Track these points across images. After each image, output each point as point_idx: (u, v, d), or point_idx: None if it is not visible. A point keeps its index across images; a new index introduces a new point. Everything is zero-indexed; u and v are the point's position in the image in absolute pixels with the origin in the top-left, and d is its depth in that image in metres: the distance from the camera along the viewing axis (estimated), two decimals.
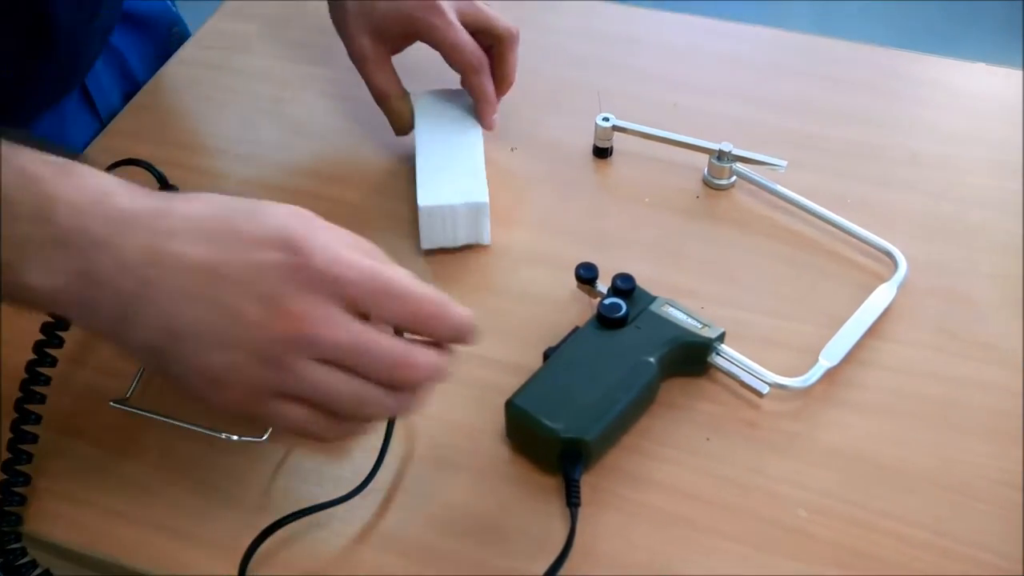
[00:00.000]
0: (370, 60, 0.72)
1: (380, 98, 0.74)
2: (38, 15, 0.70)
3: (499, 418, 0.58)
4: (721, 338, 0.60)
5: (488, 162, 0.71)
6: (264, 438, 0.57)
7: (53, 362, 0.57)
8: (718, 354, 0.61)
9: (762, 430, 0.59)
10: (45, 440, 0.57)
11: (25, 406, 0.56)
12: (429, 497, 0.57)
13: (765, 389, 0.59)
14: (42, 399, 0.57)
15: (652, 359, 0.58)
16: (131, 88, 0.87)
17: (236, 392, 0.45)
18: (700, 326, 0.60)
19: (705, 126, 0.76)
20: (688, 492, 0.56)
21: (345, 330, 0.44)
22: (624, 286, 0.62)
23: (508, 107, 0.77)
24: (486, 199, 0.67)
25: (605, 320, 0.60)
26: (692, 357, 0.60)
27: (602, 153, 0.77)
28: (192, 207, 0.45)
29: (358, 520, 0.56)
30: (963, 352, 0.63)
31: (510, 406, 0.57)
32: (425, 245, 0.68)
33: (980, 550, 0.54)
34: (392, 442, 0.57)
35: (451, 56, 0.71)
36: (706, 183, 0.74)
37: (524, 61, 0.75)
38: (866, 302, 0.64)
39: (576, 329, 0.60)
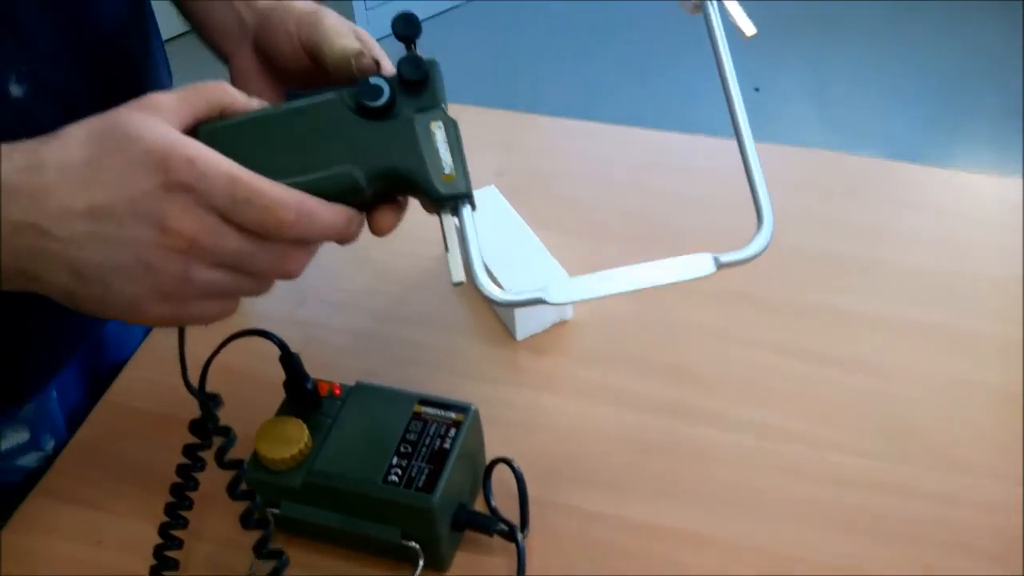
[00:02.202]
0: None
1: None
2: None
3: None
4: (465, 199, 0.50)
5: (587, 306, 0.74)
6: None
7: (180, 544, 0.56)
8: (453, 213, 0.50)
9: None
10: None
11: None
12: None
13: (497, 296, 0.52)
14: None
15: (359, 173, 0.48)
16: None
17: (156, 310, 0.46)
18: (448, 170, 0.49)
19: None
20: None
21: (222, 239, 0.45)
22: (411, 74, 0.49)
23: (566, 245, 0.77)
24: (568, 276, 0.72)
25: (360, 106, 0.49)
26: (412, 192, 0.51)
27: None
28: (65, 155, 0.45)
29: None
30: (966, 474, 0.63)
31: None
32: (520, 336, 0.74)
33: None
34: None
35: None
36: None
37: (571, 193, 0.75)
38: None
39: (329, 90, 0.50)
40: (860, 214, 0.82)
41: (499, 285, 0.73)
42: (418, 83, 0.49)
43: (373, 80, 0.49)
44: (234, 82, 0.63)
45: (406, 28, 0.50)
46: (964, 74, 2.54)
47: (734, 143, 0.53)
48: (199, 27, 0.66)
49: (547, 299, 0.49)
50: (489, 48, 2.74)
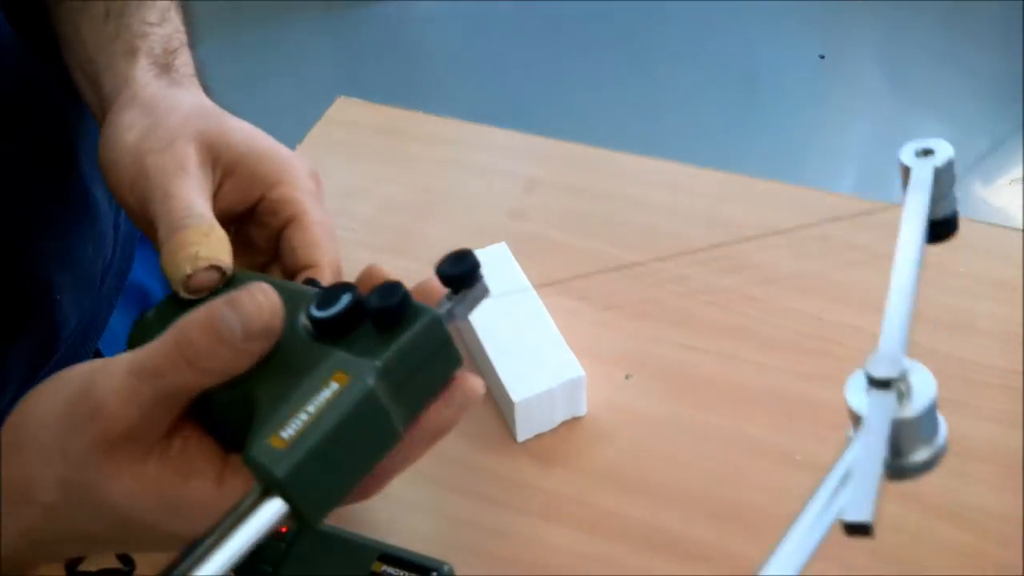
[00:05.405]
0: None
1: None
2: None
3: None
4: (276, 489, 0.33)
5: (604, 398, 0.61)
6: None
7: None
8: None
9: None
10: None
11: None
12: None
13: None
14: None
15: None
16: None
17: None
18: (287, 436, 0.33)
19: None
20: None
21: None
22: (383, 302, 0.35)
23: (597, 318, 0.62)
24: (582, 371, 0.60)
25: (314, 319, 0.36)
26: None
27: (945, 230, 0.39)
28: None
29: None
30: None
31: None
32: (522, 437, 0.61)
33: None
34: None
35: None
36: None
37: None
38: None
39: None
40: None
41: (499, 379, 0.60)
42: (389, 315, 0.36)
43: (331, 290, 0.37)
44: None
45: (454, 269, 0.38)
46: None
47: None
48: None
49: None
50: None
